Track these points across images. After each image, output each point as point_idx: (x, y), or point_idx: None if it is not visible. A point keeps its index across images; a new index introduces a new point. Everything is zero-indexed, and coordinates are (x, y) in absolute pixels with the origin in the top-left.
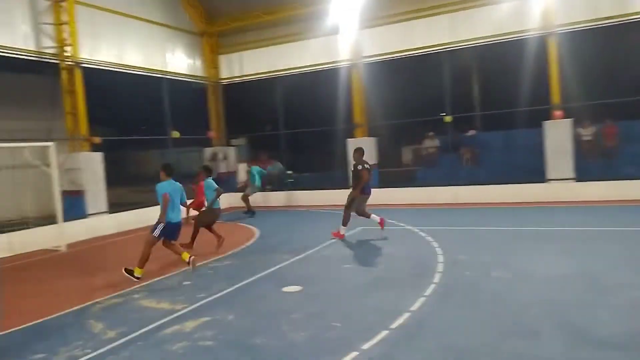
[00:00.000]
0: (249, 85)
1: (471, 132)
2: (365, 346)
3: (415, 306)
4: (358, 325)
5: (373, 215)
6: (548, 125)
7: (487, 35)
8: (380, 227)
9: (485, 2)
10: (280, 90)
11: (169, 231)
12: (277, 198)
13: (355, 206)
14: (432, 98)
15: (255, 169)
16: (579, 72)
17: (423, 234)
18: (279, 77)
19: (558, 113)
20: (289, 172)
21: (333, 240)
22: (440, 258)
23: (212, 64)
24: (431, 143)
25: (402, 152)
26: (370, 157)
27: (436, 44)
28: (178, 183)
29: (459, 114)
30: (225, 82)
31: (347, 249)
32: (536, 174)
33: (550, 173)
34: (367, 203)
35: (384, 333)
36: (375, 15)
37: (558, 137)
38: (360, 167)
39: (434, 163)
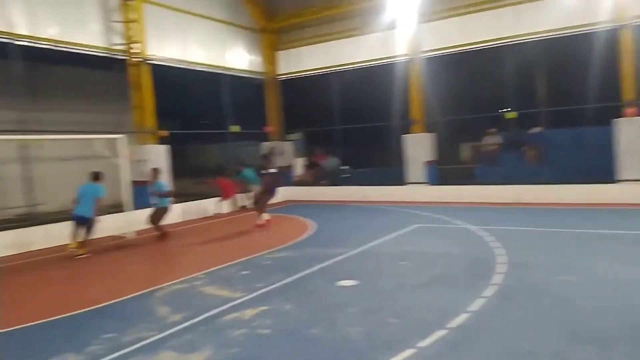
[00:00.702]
0: (306, 80)
1: (535, 129)
2: (422, 344)
3: (474, 307)
4: (414, 323)
5: (264, 215)
6: (620, 123)
7: (554, 28)
8: (260, 227)
9: None
10: (337, 86)
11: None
12: (332, 193)
13: (263, 203)
14: (494, 93)
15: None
16: None
17: (482, 234)
18: (336, 73)
19: (631, 110)
20: (344, 167)
21: (390, 236)
22: (501, 259)
23: (270, 60)
24: (492, 140)
25: (461, 148)
26: (428, 153)
27: (499, 37)
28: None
29: (523, 110)
30: (282, 77)
31: (403, 246)
32: (605, 174)
33: (622, 173)
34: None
35: (442, 332)
36: (434, 9)
37: (631, 135)
38: (264, 172)
39: (495, 160)
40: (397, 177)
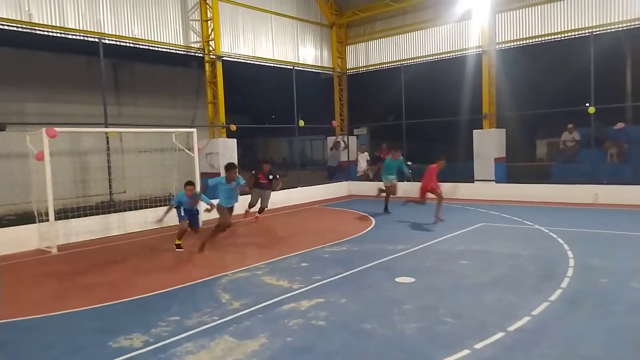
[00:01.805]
0: (373, 75)
1: (619, 125)
2: (478, 346)
3: (537, 310)
4: (472, 323)
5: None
6: None
7: None
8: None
9: None
10: (405, 80)
11: None
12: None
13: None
14: (573, 87)
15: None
16: None
17: (554, 235)
18: (405, 67)
19: None
20: (409, 162)
21: (454, 234)
22: (572, 262)
23: (339, 55)
24: (570, 136)
25: (537, 145)
26: (498, 149)
27: (581, 27)
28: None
29: (605, 105)
30: (351, 72)
31: (466, 245)
32: None
33: None
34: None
35: (500, 334)
36: None
37: None
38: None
39: (573, 158)
40: (465, 174)
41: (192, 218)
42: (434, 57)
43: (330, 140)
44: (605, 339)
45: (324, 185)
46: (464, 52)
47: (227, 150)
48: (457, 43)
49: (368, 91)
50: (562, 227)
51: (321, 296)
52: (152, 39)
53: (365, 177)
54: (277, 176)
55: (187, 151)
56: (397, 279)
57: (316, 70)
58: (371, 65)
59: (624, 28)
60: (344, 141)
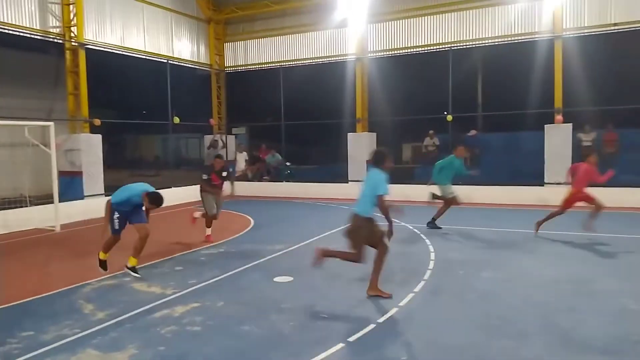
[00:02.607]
0: (253, 74)
1: (472, 133)
2: (352, 338)
3: (404, 302)
4: (346, 318)
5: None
6: (549, 129)
7: (495, 36)
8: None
9: (494, 2)
10: (284, 81)
11: None
12: (274, 189)
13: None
14: (437, 96)
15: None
16: (584, 77)
17: (418, 232)
18: (284, 68)
19: (559, 117)
20: (288, 163)
21: (330, 233)
22: (433, 256)
23: (217, 51)
24: (431, 141)
25: (403, 149)
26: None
27: (442, 42)
28: None
29: (461, 114)
30: (229, 70)
31: (341, 243)
32: (536, 176)
33: (548, 177)
34: None
35: (371, 326)
36: (384, 10)
37: (558, 141)
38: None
39: (434, 161)
40: (340, 175)
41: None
42: (312, 61)
43: (208, 138)
44: (460, 325)
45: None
46: (341, 58)
47: (91, 147)
48: (334, 49)
49: (247, 90)
50: (424, 224)
51: (197, 300)
52: (1, 20)
53: (244, 177)
54: (230, 170)
55: (43, 147)
56: (276, 279)
57: (192, 66)
58: (250, 65)
59: (477, 45)
60: (222, 140)
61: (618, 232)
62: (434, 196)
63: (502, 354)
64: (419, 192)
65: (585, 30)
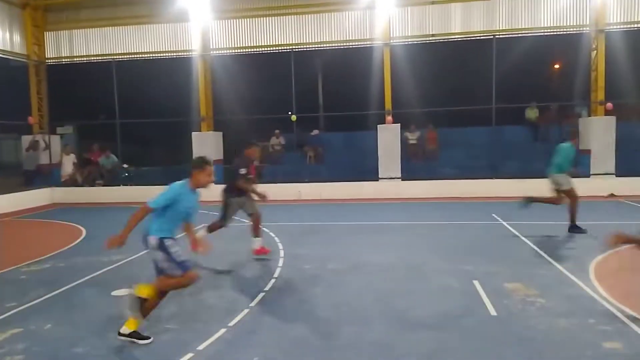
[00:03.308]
0: (81, 67)
1: (315, 132)
2: (201, 347)
3: (254, 302)
4: (194, 326)
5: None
6: (381, 129)
7: (333, 40)
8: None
9: (332, 8)
10: (119, 76)
11: None
12: (109, 194)
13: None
14: (281, 96)
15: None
16: (410, 81)
17: (267, 230)
18: (117, 62)
19: (389, 118)
20: (125, 165)
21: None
22: (282, 253)
23: (35, 41)
24: (277, 140)
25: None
26: (218, 152)
27: (284, 43)
28: None
29: (305, 114)
30: (51, 62)
31: (186, 248)
32: (371, 173)
33: (382, 172)
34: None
35: (222, 331)
36: (228, 7)
37: (388, 140)
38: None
39: (279, 160)
40: (186, 176)
41: None
42: (151, 56)
43: (27, 139)
44: (310, 317)
45: (19, 194)
46: (182, 53)
47: None
48: (175, 43)
49: (75, 85)
50: (273, 222)
51: (19, 325)
52: None
53: (72, 182)
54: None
55: None
56: (114, 293)
57: (5, 57)
58: (77, 57)
59: (316, 49)
60: (44, 141)
61: (441, 219)
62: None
63: (348, 340)
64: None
65: (410, 39)
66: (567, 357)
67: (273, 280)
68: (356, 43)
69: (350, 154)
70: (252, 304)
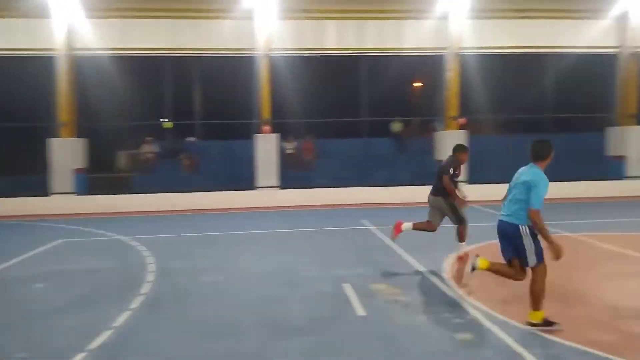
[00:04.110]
0: None
1: (191, 140)
2: None
3: (119, 321)
4: (47, 353)
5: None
6: (258, 138)
7: (212, 48)
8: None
9: (210, 15)
10: None
11: None
12: None
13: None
14: (153, 102)
15: None
16: (290, 93)
17: (136, 244)
18: None
19: (267, 128)
20: None
21: (25, 256)
22: (152, 267)
23: None
24: (149, 148)
25: (118, 156)
26: (80, 160)
27: (156, 47)
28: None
29: (180, 121)
30: None
31: (41, 266)
32: (248, 181)
33: (260, 181)
34: None
35: (80, 356)
36: (98, 6)
37: (266, 149)
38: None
39: (152, 169)
40: (39, 186)
41: None
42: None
43: None
44: (183, 335)
45: None
46: (42, 52)
47: None
48: (34, 41)
49: None
50: (143, 235)
51: None
52: None
53: None
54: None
55: None
56: None
57: None
58: None
59: (195, 55)
60: None
61: (316, 226)
62: None
63: (223, 354)
64: (136, 202)
65: (288, 51)
66: (426, 351)
67: (142, 297)
68: (235, 52)
69: (228, 163)
70: (117, 324)
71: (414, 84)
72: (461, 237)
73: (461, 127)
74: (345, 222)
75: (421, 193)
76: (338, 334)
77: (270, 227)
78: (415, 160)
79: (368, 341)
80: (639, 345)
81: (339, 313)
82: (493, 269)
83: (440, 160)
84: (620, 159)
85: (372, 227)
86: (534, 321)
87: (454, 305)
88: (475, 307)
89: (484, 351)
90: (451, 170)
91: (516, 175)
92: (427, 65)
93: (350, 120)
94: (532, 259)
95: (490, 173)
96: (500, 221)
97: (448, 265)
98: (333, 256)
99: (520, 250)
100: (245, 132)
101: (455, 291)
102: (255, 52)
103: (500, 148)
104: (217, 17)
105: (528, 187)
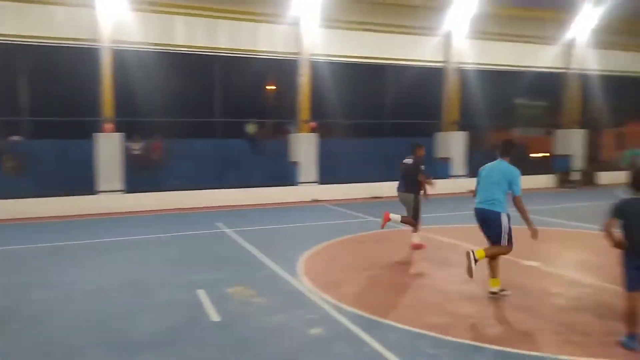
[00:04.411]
0: None
1: (15, 138)
2: None
3: None
4: None
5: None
6: (99, 137)
7: (39, 36)
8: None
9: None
10: None
11: None
12: None
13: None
14: None
15: None
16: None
17: None
18: None
19: (109, 126)
20: None
21: None
22: None
23: None
24: None
25: None
26: None
27: None
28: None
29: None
30: None
31: None
32: (87, 185)
33: (101, 185)
34: None
35: None
36: None
37: (109, 150)
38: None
39: None
40: None
41: None
42: None
43: None
44: None
45: None
46: None
47: None
48: None
49: None
50: None
51: None
52: None
53: None
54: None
55: None
56: None
57: None
58: None
59: (19, 42)
60: None
61: (167, 231)
62: None
63: None
64: None
65: (134, 45)
66: (281, 350)
67: None
68: (70, 42)
69: (63, 165)
70: None
71: (268, 87)
72: (414, 228)
73: (312, 130)
74: (199, 226)
75: (277, 194)
76: (191, 343)
77: (116, 235)
78: (270, 162)
79: (221, 347)
80: (469, 324)
81: (193, 320)
82: (489, 254)
83: (406, 162)
84: (446, 161)
85: (228, 230)
86: (493, 289)
87: (308, 302)
88: (327, 301)
89: (335, 344)
90: (422, 167)
91: (486, 169)
92: (281, 70)
93: (204, 121)
94: (504, 240)
95: (340, 173)
96: (481, 209)
97: (302, 264)
98: (186, 262)
99: (497, 233)
100: (83, 131)
101: (308, 288)
102: (97, 44)
103: (347, 150)
104: (53, 3)
105: (509, 179)
